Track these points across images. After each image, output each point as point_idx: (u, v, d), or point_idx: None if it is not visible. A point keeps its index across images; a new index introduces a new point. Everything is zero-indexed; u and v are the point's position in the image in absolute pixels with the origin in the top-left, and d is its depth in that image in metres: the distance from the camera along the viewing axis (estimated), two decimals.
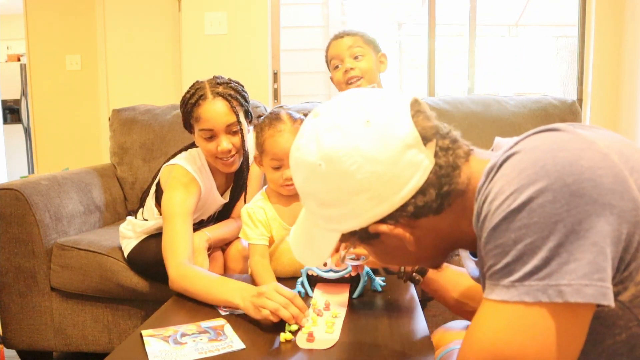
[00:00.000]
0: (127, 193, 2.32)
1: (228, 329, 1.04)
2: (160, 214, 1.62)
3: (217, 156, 1.50)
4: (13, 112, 5.50)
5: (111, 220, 2.18)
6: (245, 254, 1.59)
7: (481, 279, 0.73)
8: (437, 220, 0.70)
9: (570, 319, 0.55)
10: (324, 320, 1.06)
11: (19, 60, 5.66)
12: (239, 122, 1.48)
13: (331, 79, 1.76)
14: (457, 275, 1.05)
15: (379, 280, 1.24)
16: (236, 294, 1.12)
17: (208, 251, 1.53)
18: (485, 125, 2.22)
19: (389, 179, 0.66)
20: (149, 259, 1.64)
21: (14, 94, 5.49)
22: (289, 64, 3.49)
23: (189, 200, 1.46)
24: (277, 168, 1.30)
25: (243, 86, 1.55)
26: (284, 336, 0.99)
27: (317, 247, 0.77)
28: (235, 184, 1.68)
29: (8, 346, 1.84)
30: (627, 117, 2.76)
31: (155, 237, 1.66)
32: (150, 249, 1.64)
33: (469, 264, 0.81)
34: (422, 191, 0.67)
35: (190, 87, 1.51)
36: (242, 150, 1.53)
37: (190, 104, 1.48)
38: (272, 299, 1.04)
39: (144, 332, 1.01)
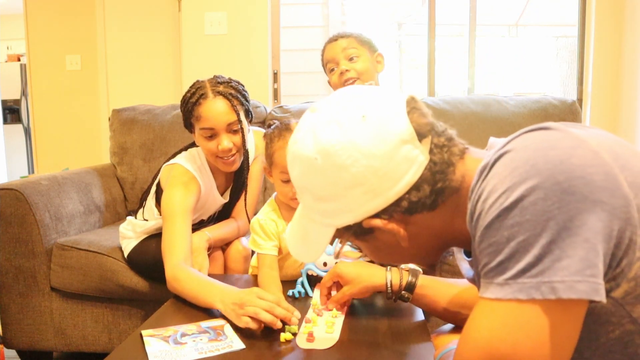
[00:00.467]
0: (127, 193, 2.32)
1: (228, 329, 1.04)
2: (161, 214, 1.62)
3: (218, 155, 1.50)
4: (13, 112, 5.50)
5: (111, 220, 2.18)
6: (246, 254, 1.59)
7: (476, 279, 0.73)
8: (431, 217, 0.71)
9: (563, 316, 0.56)
10: (324, 320, 1.06)
11: (19, 60, 5.66)
12: (239, 120, 1.48)
13: (329, 82, 1.76)
14: (446, 286, 1.05)
15: None
16: (217, 298, 1.12)
17: (208, 251, 1.53)
18: (485, 125, 2.22)
19: (384, 174, 0.67)
20: (149, 259, 1.64)
21: (14, 94, 5.49)
22: (289, 64, 3.49)
23: (188, 199, 1.46)
24: (287, 181, 1.26)
25: (243, 85, 1.55)
26: (284, 336, 0.99)
27: (312, 243, 0.78)
28: (235, 184, 1.68)
29: (8, 346, 1.84)
30: (627, 117, 2.76)
31: (156, 237, 1.66)
32: (150, 249, 1.64)
33: (464, 265, 0.81)
34: (416, 187, 0.68)
35: (190, 87, 1.51)
36: (243, 149, 1.53)
37: (190, 103, 1.48)
38: (254, 304, 1.02)
39: (144, 332, 1.01)
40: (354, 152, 0.67)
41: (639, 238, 0.57)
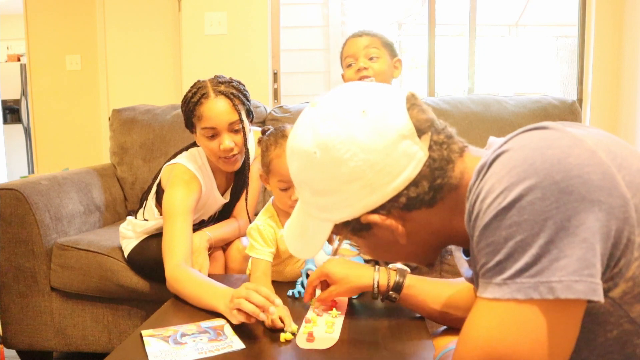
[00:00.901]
0: (127, 193, 2.32)
1: (228, 329, 1.04)
2: (161, 214, 1.62)
3: (220, 155, 1.50)
4: (13, 112, 5.50)
5: (111, 220, 2.18)
6: (246, 254, 1.59)
7: (474, 278, 0.73)
8: (430, 214, 0.70)
9: (561, 316, 0.56)
10: (324, 320, 1.06)
11: (19, 60, 5.66)
12: (241, 120, 1.48)
13: (342, 76, 1.74)
14: (434, 287, 1.04)
15: None
16: (220, 300, 1.12)
17: (209, 251, 1.53)
18: (485, 125, 2.22)
19: (382, 168, 0.67)
20: (149, 259, 1.64)
21: (14, 94, 5.49)
22: (289, 64, 3.49)
23: (190, 199, 1.46)
24: (285, 189, 1.26)
25: (244, 85, 1.55)
26: (284, 336, 0.99)
27: (310, 239, 0.78)
28: (236, 184, 1.68)
29: (8, 346, 1.84)
30: (627, 117, 2.76)
31: (156, 237, 1.66)
32: (150, 249, 1.64)
33: (463, 264, 0.81)
34: (415, 183, 0.68)
35: (191, 87, 1.51)
36: (244, 148, 1.53)
37: (192, 102, 1.48)
38: (240, 295, 1.02)
39: (144, 332, 1.01)
40: (353, 146, 0.67)
41: (637, 238, 0.57)
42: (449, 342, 0.95)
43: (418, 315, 1.09)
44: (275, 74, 3.04)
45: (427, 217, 0.71)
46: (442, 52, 3.52)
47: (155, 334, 1.01)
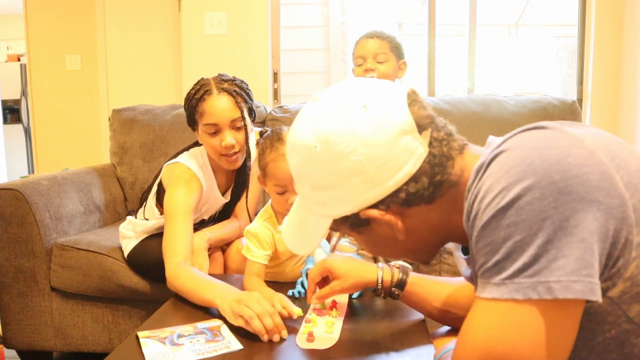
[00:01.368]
0: (127, 193, 2.32)
1: (225, 329, 1.04)
2: (162, 214, 1.62)
3: (221, 152, 1.50)
4: (13, 112, 5.50)
5: (111, 220, 2.18)
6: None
7: (473, 277, 0.73)
8: (429, 210, 0.70)
9: (560, 316, 0.56)
10: (324, 320, 1.06)
11: (19, 60, 5.66)
12: (243, 117, 1.49)
13: (352, 70, 1.88)
14: (436, 285, 1.04)
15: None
16: (217, 295, 1.11)
17: (208, 251, 1.53)
18: (485, 125, 2.22)
19: (382, 163, 0.67)
20: (149, 259, 1.64)
21: (14, 94, 5.49)
22: (289, 64, 3.49)
23: (191, 198, 1.46)
24: (282, 193, 1.26)
25: (247, 84, 1.56)
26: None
27: (308, 234, 0.78)
28: (236, 184, 1.68)
29: (8, 346, 1.84)
30: (627, 117, 2.76)
31: (156, 237, 1.66)
32: (150, 249, 1.64)
33: (462, 263, 0.81)
34: (414, 178, 0.68)
35: (195, 84, 1.52)
36: (245, 147, 1.53)
37: (195, 99, 1.49)
38: (250, 308, 1.01)
39: (140, 334, 1.01)
40: (354, 140, 0.67)
41: (635, 237, 0.57)
42: (449, 342, 0.95)
43: (418, 315, 1.09)
44: (275, 74, 3.04)
45: (426, 214, 0.71)
46: (442, 52, 3.52)
47: (151, 335, 1.01)
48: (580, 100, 2.90)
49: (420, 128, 0.68)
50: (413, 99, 0.70)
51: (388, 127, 0.67)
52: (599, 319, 0.60)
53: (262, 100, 2.60)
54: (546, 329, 0.55)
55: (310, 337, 0.97)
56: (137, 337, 1.00)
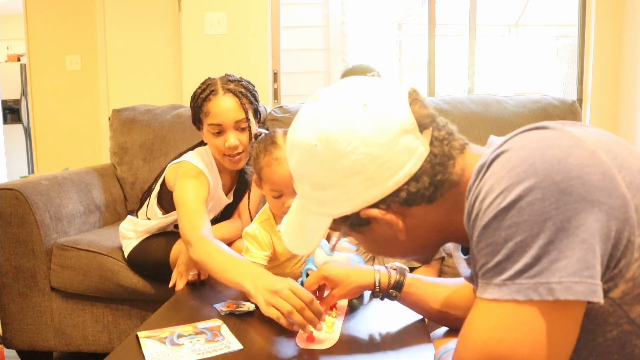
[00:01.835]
0: (127, 193, 2.32)
1: (225, 329, 1.04)
2: (164, 214, 1.63)
3: (225, 152, 1.50)
4: (13, 112, 5.50)
5: (111, 220, 2.18)
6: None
7: (473, 277, 0.73)
8: (429, 210, 0.70)
9: (561, 317, 0.55)
10: (324, 321, 1.06)
11: (19, 60, 5.66)
12: (247, 119, 1.49)
13: None
14: (433, 286, 1.04)
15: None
16: (249, 279, 1.07)
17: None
18: (485, 125, 2.22)
19: (383, 162, 0.67)
20: (149, 259, 1.64)
21: (14, 94, 5.49)
22: (289, 64, 3.49)
23: (201, 190, 1.45)
24: (278, 197, 1.26)
25: (254, 85, 1.56)
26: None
27: (308, 234, 0.78)
28: (239, 185, 1.69)
29: (8, 346, 1.84)
30: (627, 117, 2.76)
31: (156, 237, 1.66)
32: (150, 249, 1.64)
33: (462, 264, 0.81)
34: (415, 178, 0.68)
35: (201, 83, 1.53)
36: (249, 148, 1.54)
37: (200, 98, 1.50)
38: (288, 300, 0.98)
39: (140, 334, 1.01)
40: (354, 139, 0.67)
41: (637, 238, 0.57)
42: (449, 342, 0.94)
43: (418, 315, 1.09)
44: (275, 74, 3.04)
45: (427, 213, 0.71)
46: (442, 52, 3.52)
47: (151, 335, 1.01)
48: (580, 100, 2.90)
49: (421, 127, 0.68)
50: (414, 98, 0.70)
51: (389, 126, 0.67)
52: (600, 320, 0.60)
53: (262, 101, 2.60)
54: (547, 330, 0.55)
55: (310, 337, 0.97)
56: (137, 337, 1.00)
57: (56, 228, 1.83)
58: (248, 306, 1.13)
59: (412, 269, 1.58)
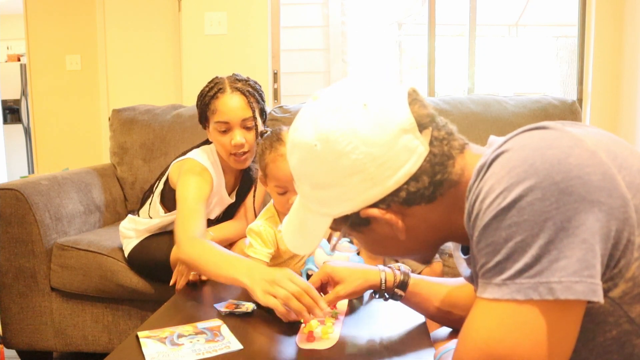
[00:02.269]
0: (127, 193, 2.32)
1: (225, 329, 1.04)
2: (166, 212, 1.63)
3: (230, 151, 1.51)
4: (13, 112, 5.50)
5: (111, 220, 2.18)
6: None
7: (473, 277, 0.73)
8: (429, 209, 0.70)
9: (561, 316, 0.56)
10: (324, 321, 1.06)
11: (19, 60, 5.66)
12: (254, 117, 1.50)
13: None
14: (437, 286, 1.03)
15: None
16: (245, 272, 1.08)
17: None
18: (485, 125, 2.22)
19: (383, 162, 0.67)
20: (149, 259, 1.64)
21: (14, 94, 5.49)
22: (289, 64, 3.49)
23: (204, 188, 1.46)
24: (283, 193, 1.26)
25: (260, 86, 1.58)
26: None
27: (308, 234, 0.78)
28: (242, 185, 1.69)
29: (8, 346, 1.84)
30: (627, 117, 2.76)
31: (156, 236, 1.66)
32: (151, 249, 1.64)
33: (462, 264, 0.81)
34: (415, 177, 0.68)
35: (209, 82, 1.55)
36: (255, 147, 1.54)
37: (208, 96, 1.51)
38: (285, 287, 0.98)
39: (140, 334, 1.01)
40: (354, 139, 0.67)
41: (637, 238, 0.57)
42: (449, 342, 0.95)
43: (418, 315, 1.09)
44: (275, 74, 3.04)
45: (426, 213, 0.71)
46: (442, 52, 3.52)
47: (151, 335, 1.01)
48: (580, 100, 2.90)
49: (421, 127, 0.68)
50: (414, 98, 0.70)
51: (388, 125, 0.67)
52: (600, 319, 0.60)
53: None
54: (547, 329, 0.55)
55: (310, 337, 0.97)
56: (137, 337, 1.00)
57: (56, 228, 1.83)
58: (247, 306, 1.13)
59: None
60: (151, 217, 1.67)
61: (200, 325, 1.06)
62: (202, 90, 1.54)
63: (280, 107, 2.38)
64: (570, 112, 2.26)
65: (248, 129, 1.51)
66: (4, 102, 5.28)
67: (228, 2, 2.91)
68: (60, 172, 2.06)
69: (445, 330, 1.06)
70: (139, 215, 1.72)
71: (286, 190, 1.25)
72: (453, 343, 0.91)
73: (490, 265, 0.58)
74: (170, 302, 1.25)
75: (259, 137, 1.33)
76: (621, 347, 0.62)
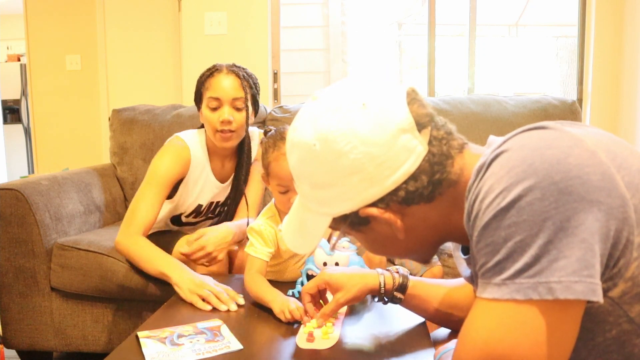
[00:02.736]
0: (127, 193, 2.32)
1: (225, 329, 1.04)
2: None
3: (217, 128, 1.56)
4: (13, 112, 5.50)
5: (111, 220, 2.18)
6: None
7: (473, 277, 0.73)
8: (428, 209, 0.70)
9: (561, 316, 0.56)
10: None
11: (19, 60, 5.66)
12: (245, 99, 1.57)
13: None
14: (435, 287, 1.03)
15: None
16: (175, 272, 1.30)
17: (237, 246, 1.56)
18: (485, 125, 2.22)
19: (382, 162, 0.67)
20: None
21: (14, 94, 5.49)
22: (289, 64, 3.49)
23: (175, 169, 1.57)
24: (285, 192, 1.26)
25: (257, 79, 1.67)
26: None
27: (308, 233, 0.78)
28: (238, 174, 1.69)
29: (8, 346, 1.84)
30: (627, 117, 2.76)
31: (157, 235, 1.66)
32: None
33: (462, 264, 0.81)
34: (414, 177, 0.68)
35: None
36: (243, 130, 1.60)
37: (205, 75, 1.60)
38: (209, 289, 1.20)
39: (140, 334, 1.01)
40: (353, 138, 0.67)
41: (636, 238, 0.57)
42: (449, 342, 0.95)
43: (418, 316, 1.09)
44: (275, 74, 3.04)
45: (425, 213, 0.71)
46: (442, 52, 3.52)
47: (151, 335, 1.01)
48: (580, 100, 2.90)
49: (420, 126, 0.68)
50: (412, 98, 0.70)
51: (387, 125, 0.67)
52: (600, 319, 0.60)
53: (262, 100, 2.59)
54: (547, 329, 0.55)
55: (310, 337, 0.98)
56: (137, 337, 1.00)
57: (56, 228, 1.83)
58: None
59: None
60: None
61: (200, 325, 1.06)
62: (201, 74, 1.62)
63: (280, 107, 2.38)
64: (570, 112, 2.26)
65: (238, 109, 1.57)
66: (4, 102, 5.28)
67: (228, 2, 2.91)
68: (60, 172, 2.06)
69: (445, 331, 1.06)
70: None
71: (288, 189, 1.25)
72: (453, 343, 0.91)
73: (489, 265, 0.58)
74: (170, 302, 1.25)
75: (263, 136, 1.34)
76: (621, 347, 0.62)
